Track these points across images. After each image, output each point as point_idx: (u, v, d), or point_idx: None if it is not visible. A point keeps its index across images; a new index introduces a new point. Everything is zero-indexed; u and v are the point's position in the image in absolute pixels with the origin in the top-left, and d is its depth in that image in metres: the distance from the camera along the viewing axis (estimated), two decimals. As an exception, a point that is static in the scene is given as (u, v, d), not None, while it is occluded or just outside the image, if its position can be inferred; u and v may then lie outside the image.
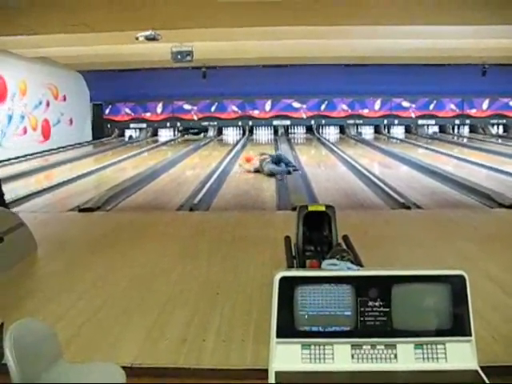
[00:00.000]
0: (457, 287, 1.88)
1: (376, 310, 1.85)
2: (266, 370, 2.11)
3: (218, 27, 10.60)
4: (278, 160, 10.95)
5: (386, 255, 4.70)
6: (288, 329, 1.84)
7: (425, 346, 1.85)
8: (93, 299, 3.86)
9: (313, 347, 1.84)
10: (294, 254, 3.97)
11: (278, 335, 1.84)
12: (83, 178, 10.85)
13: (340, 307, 1.85)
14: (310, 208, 4.29)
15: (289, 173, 10.43)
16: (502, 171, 10.40)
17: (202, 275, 4.35)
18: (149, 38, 9.77)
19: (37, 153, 15.46)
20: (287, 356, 1.82)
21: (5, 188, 9.22)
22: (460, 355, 1.84)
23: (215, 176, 10.22)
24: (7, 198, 7.87)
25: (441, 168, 10.80)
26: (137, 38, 9.71)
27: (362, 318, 1.85)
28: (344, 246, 4.03)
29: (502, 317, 3.49)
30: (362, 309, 1.85)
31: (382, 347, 1.84)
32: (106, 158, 14.56)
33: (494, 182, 9.05)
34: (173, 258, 4.86)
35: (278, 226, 5.89)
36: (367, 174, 10.23)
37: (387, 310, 1.85)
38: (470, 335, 1.86)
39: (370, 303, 1.86)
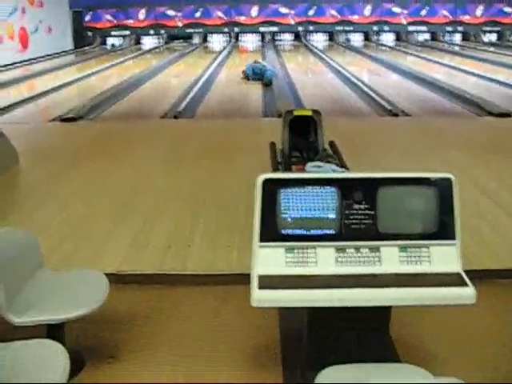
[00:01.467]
0: (444, 191, 1.82)
1: (361, 213, 1.81)
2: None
3: None
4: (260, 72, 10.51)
5: (372, 162, 4.65)
6: (271, 232, 1.79)
7: (409, 249, 1.82)
8: (77, 209, 3.82)
9: (296, 251, 1.81)
10: (279, 159, 3.92)
11: (261, 239, 1.79)
12: (65, 87, 10.55)
13: (324, 210, 1.80)
14: (296, 113, 4.20)
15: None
16: (493, 80, 10.24)
17: (186, 183, 4.30)
18: None
19: (16, 63, 14.93)
20: (270, 260, 1.79)
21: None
22: (444, 258, 1.82)
23: (200, 84, 9.97)
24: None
25: (431, 76, 10.61)
26: None
27: (346, 221, 1.81)
28: (330, 152, 3.99)
29: (488, 223, 3.50)
30: (347, 212, 1.80)
31: (367, 250, 1.81)
32: (89, 66, 14.12)
33: (484, 91, 8.92)
34: (158, 166, 4.80)
35: (264, 133, 5.79)
36: (355, 81, 10.04)
37: (372, 212, 1.81)
38: (455, 239, 1.83)
39: (355, 206, 1.80)
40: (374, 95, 8.41)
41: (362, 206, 1.81)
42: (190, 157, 5.02)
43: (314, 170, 1.84)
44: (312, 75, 12.35)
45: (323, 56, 15.07)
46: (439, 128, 6.28)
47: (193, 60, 15.60)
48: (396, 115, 6.94)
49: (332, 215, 1.81)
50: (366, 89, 9.01)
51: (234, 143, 5.47)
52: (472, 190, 4.06)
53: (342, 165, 3.38)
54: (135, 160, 5.00)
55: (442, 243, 1.83)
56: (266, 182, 1.79)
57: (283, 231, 1.81)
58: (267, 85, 9.76)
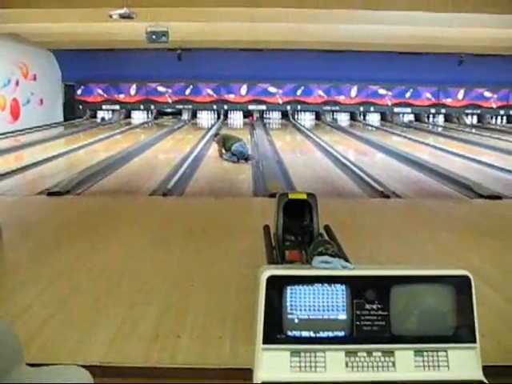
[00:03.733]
0: (461, 289, 1.71)
1: (373, 314, 1.68)
2: (245, 370, 1.93)
3: (195, 7, 10.31)
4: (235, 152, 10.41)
5: (366, 246, 4.55)
6: (276, 334, 1.65)
7: (425, 354, 1.68)
8: (59, 291, 3.61)
9: (303, 354, 1.66)
10: (273, 244, 3.79)
11: (265, 341, 1.65)
12: (53, 160, 10.50)
13: (333, 310, 1.67)
14: (291, 196, 4.10)
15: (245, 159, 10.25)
16: (478, 161, 10.38)
17: (175, 266, 4.13)
18: (123, 16, 9.41)
19: (5, 133, 14.95)
20: (275, 364, 1.64)
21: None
22: (463, 363, 1.68)
23: (189, 160, 9.96)
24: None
25: (417, 156, 10.74)
26: (110, 16, 9.34)
27: (357, 323, 1.67)
28: (326, 237, 3.87)
29: (489, 311, 3.36)
30: (358, 312, 1.67)
31: (379, 354, 1.67)
32: (78, 139, 14.16)
33: (471, 172, 9.01)
34: (145, 246, 4.62)
35: (255, 213, 5.72)
36: (344, 160, 10.09)
37: (385, 313, 1.68)
38: (475, 342, 1.70)
39: (367, 306, 1.68)
40: (363, 175, 8.41)
41: (375, 306, 1.68)
42: (179, 237, 4.87)
43: (323, 265, 1.71)
44: (300, 154, 12.45)
45: (311, 135, 15.28)
46: (430, 210, 6.25)
47: (182, 136, 15.74)
48: (387, 196, 6.91)
49: (342, 316, 1.67)
50: (355, 169, 9.03)
51: (224, 223, 5.35)
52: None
53: (341, 251, 3.26)
54: (122, 238, 4.84)
55: (461, 347, 1.70)
56: (271, 278, 1.67)
57: (289, 333, 1.66)
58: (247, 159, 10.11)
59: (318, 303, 1.67)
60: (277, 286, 1.66)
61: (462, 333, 1.69)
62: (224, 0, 9.99)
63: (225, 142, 10.50)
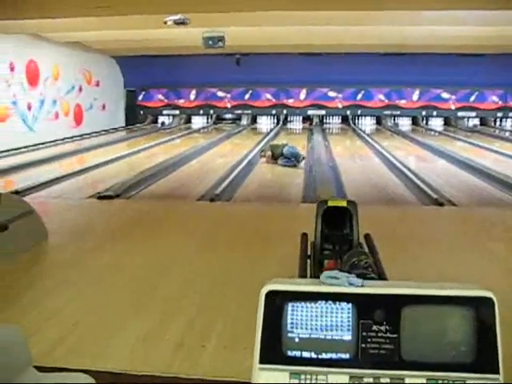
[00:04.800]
0: (483, 312, 1.53)
1: (381, 336, 1.53)
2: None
3: (251, 11, 10.26)
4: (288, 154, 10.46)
5: (412, 259, 4.34)
6: (274, 353, 1.53)
7: (440, 382, 1.52)
8: (92, 295, 3.63)
9: (303, 376, 1.53)
10: (309, 253, 3.66)
11: (262, 360, 1.53)
12: (113, 162, 10.73)
13: (338, 330, 1.54)
14: (330, 203, 3.96)
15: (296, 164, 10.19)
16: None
17: (215, 273, 4.06)
18: (178, 23, 9.50)
19: (69, 138, 15.43)
20: (272, 385, 1.52)
21: (31, 172, 9.24)
22: (483, 396, 1.50)
23: (242, 165, 9.92)
24: (33, 182, 7.85)
25: (480, 163, 10.29)
26: (165, 22, 9.45)
27: (363, 345, 1.53)
28: (365, 247, 3.71)
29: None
30: (365, 333, 1.53)
31: (388, 380, 1.52)
32: (138, 143, 14.42)
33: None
34: (185, 253, 4.59)
35: (302, 220, 5.56)
36: (401, 167, 9.80)
37: (395, 336, 1.53)
38: (498, 372, 1.51)
39: (375, 327, 1.53)
40: (419, 182, 8.13)
41: (383, 328, 1.53)
42: (221, 244, 4.81)
43: (329, 281, 1.58)
44: (358, 160, 12.20)
45: (370, 140, 14.97)
46: (486, 219, 5.92)
47: (240, 141, 15.77)
48: (441, 204, 6.62)
49: (347, 337, 1.54)
50: (411, 175, 8.74)
51: (268, 231, 5.24)
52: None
53: (377, 264, 3.10)
54: (164, 245, 4.82)
55: (481, 377, 1.52)
56: (271, 294, 1.55)
57: (289, 352, 1.54)
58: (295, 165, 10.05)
59: (321, 322, 1.54)
60: (277, 302, 1.54)
61: (483, 361, 1.52)
62: (280, 4, 9.87)
63: (274, 151, 10.48)
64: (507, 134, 18.57)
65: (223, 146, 14.51)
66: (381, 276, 3.05)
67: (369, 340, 1.53)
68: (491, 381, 1.51)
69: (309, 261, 3.49)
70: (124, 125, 20.11)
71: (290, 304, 1.55)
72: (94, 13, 8.78)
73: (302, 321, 1.55)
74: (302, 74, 19.47)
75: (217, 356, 2.80)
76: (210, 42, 11.65)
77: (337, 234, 3.86)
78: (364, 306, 1.54)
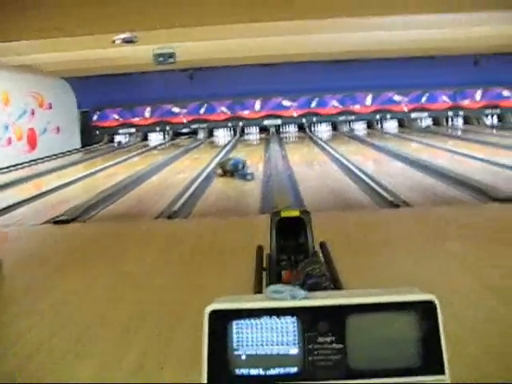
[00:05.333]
0: (425, 316, 1.54)
1: (327, 348, 1.53)
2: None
3: (199, 26, 10.29)
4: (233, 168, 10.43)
5: (368, 264, 4.39)
6: (221, 373, 1.52)
7: (389, 388, 1.52)
8: (48, 325, 3.55)
9: (252, 394, 1.52)
10: (264, 265, 3.66)
11: (210, 381, 1.51)
12: (67, 186, 10.55)
13: (284, 345, 1.53)
14: (283, 214, 3.96)
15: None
16: (497, 163, 10.08)
17: (171, 292, 4.03)
18: (126, 41, 9.48)
19: (23, 163, 15.13)
20: (222, 406, 1.50)
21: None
22: (432, 397, 1.51)
23: (200, 180, 9.89)
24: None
25: (434, 163, 10.50)
26: (113, 41, 9.40)
27: (310, 358, 1.52)
28: (320, 255, 3.73)
29: (498, 330, 3.17)
30: (310, 346, 1.53)
31: (336, 391, 1.52)
32: (95, 164, 14.24)
33: (488, 175, 8.74)
34: (144, 272, 4.55)
35: (260, 232, 5.57)
36: (357, 171, 9.92)
37: (341, 346, 1.53)
38: (444, 373, 1.53)
39: (320, 339, 1.53)
40: (375, 186, 8.23)
41: (328, 339, 1.53)
42: (179, 262, 4.79)
43: (272, 295, 1.58)
44: (315, 166, 12.30)
45: (327, 147, 15.11)
46: (440, 218, 6.04)
47: (198, 155, 15.73)
48: (397, 206, 6.72)
49: (293, 350, 1.53)
50: (367, 180, 8.85)
51: (225, 245, 5.24)
52: (481, 290, 3.75)
53: (332, 272, 3.12)
54: (123, 265, 4.76)
55: (428, 379, 1.53)
56: (214, 313, 1.54)
57: (237, 371, 1.53)
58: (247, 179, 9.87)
59: (267, 338, 1.53)
60: (221, 321, 1.53)
61: (429, 364, 1.53)
62: (226, 17, 9.92)
63: (223, 167, 10.52)
64: (459, 132, 19.02)
65: (181, 161, 14.44)
66: (336, 283, 3.08)
67: (315, 352, 1.53)
68: (438, 381, 1.53)
69: (265, 273, 3.49)
70: (80, 146, 19.84)
71: (234, 322, 1.54)
72: (44, 35, 8.66)
73: (247, 338, 1.53)
74: (255, 85, 19.58)
75: (176, 378, 2.77)
76: (161, 59, 11.65)
77: (292, 245, 3.87)
78: (308, 318, 1.54)
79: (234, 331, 1.53)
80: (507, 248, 4.67)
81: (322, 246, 3.97)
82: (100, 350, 3.10)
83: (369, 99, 20.74)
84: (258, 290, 3.19)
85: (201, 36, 11.69)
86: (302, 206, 7.07)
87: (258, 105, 20.69)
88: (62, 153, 17.81)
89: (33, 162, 15.52)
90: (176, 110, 20.69)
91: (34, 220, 7.50)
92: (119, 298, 3.95)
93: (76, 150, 19.24)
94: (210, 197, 8.54)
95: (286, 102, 20.71)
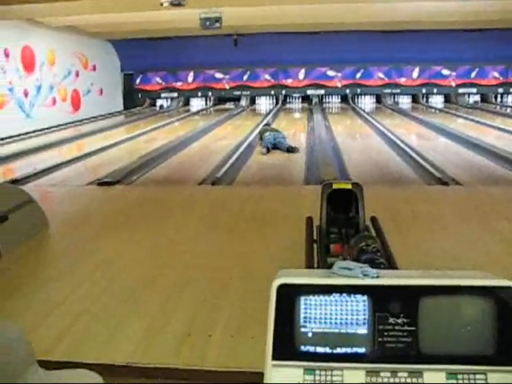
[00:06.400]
0: (503, 302, 1.46)
1: (398, 329, 1.46)
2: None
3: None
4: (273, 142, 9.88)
5: (417, 242, 4.28)
6: (287, 349, 1.47)
7: (460, 376, 1.46)
8: (96, 283, 3.57)
9: (318, 372, 1.47)
10: (315, 237, 3.59)
11: (275, 356, 1.47)
12: (111, 148, 10.62)
13: (353, 324, 1.47)
14: (335, 186, 3.88)
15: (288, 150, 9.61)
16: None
17: (215, 258, 4.01)
18: (174, 4, 9.34)
19: (66, 123, 15.30)
20: (286, 382, 1.46)
21: (30, 160, 9.15)
22: (505, 389, 1.44)
23: (243, 147, 9.82)
24: (32, 170, 7.78)
25: (482, 140, 10.18)
26: (161, 4, 9.29)
27: (380, 339, 1.46)
28: (372, 230, 3.64)
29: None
30: (381, 327, 1.46)
31: (405, 375, 1.46)
32: (137, 127, 14.30)
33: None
34: (187, 238, 4.54)
35: (305, 203, 5.52)
36: (402, 145, 9.70)
37: (412, 328, 1.46)
38: (518, 364, 1.45)
39: (391, 320, 1.46)
40: (421, 161, 8.03)
41: (400, 321, 1.47)
42: (223, 228, 4.76)
43: (341, 272, 1.51)
44: (358, 139, 12.09)
45: (370, 119, 14.85)
46: (493, 198, 5.85)
47: (240, 122, 15.65)
48: (446, 184, 6.53)
49: (362, 330, 1.47)
50: (413, 154, 8.65)
51: (271, 214, 5.18)
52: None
53: (385, 248, 3.04)
54: (166, 230, 4.76)
55: (502, 369, 1.46)
56: (283, 287, 1.48)
57: (302, 348, 1.48)
58: (290, 151, 9.51)
59: (336, 315, 1.47)
60: (289, 296, 1.48)
61: (504, 353, 1.46)
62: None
63: (262, 135, 10.27)
64: (508, 110, 18.42)
65: (223, 128, 14.39)
66: (389, 260, 3.00)
67: (385, 333, 1.47)
68: (512, 372, 1.46)
69: (315, 245, 3.44)
70: (122, 109, 19.97)
71: (302, 298, 1.48)
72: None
73: (315, 315, 1.48)
74: (300, 54, 19.26)
75: (224, 346, 2.75)
76: (208, 23, 11.49)
77: (342, 218, 3.80)
78: (380, 298, 1.48)
79: (302, 307, 1.48)
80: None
81: (374, 220, 3.89)
82: (145, 314, 3.10)
83: (415, 72, 20.22)
84: (310, 262, 3.14)
85: (248, 1, 11.51)
86: (347, 178, 6.95)
87: (301, 74, 20.39)
88: (104, 114, 17.94)
89: (76, 123, 15.67)
90: (219, 75, 20.56)
91: (76, 181, 7.59)
92: (163, 263, 3.95)
93: (118, 112, 19.37)
94: (254, 165, 8.48)
95: (330, 72, 20.35)
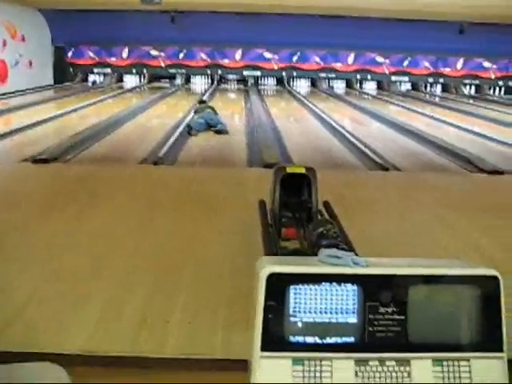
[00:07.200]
0: (487, 291, 1.49)
1: (388, 318, 1.46)
2: (240, 361, 1.74)
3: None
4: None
5: (365, 224, 4.35)
6: (276, 339, 1.44)
7: (445, 363, 1.48)
8: (40, 268, 3.39)
9: (307, 362, 1.45)
10: (270, 221, 3.57)
11: (264, 347, 1.43)
12: (42, 124, 10.17)
13: (343, 313, 1.46)
14: (288, 170, 3.86)
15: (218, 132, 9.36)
16: (479, 134, 10.12)
17: (163, 243, 3.90)
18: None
19: (-7, 96, 14.55)
20: (274, 373, 1.43)
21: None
22: (488, 375, 1.47)
23: (181, 128, 9.64)
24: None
25: (415, 127, 10.48)
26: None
27: (370, 328, 1.46)
28: (326, 215, 3.65)
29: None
30: (371, 316, 1.46)
31: (393, 363, 1.46)
32: (68, 103, 13.77)
33: (470, 145, 8.76)
34: (133, 219, 4.41)
35: (250, 185, 5.51)
36: (341, 129, 9.84)
37: (402, 317, 1.46)
38: (502, 351, 1.49)
39: (382, 309, 1.46)
40: (360, 146, 8.17)
41: (390, 310, 1.46)
42: (169, 210, 4.66)
43: (331, 261, 1.48)
44: (296, 122, 12.16)
45: (306, 102, 14.96)
46: (432, 184, 6.04)
47: (175, 101, 15.39)
48: (386, 169, 6.68)
49: (352, 319, 1.46)
50: (352, 139, 8.78)
51: (217, 196, 5.11)
52: (474, 256, 3.76)
53: (342, 232, 3.06)
54: (109, 211, 4.61)
55: (485, 356, 1.49)
56: (272, 276, 1.44)
57: (291, 338, 1.45)
58: (220, 132, 9.28)
59: (326, 305, 1.45)
60: (278, 285, 1.44)
61: (488, 340, 1.48)
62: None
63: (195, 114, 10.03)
64: (437, 99, 19.04)
65: (158, 107, 14.11)
66: (348, 245, 3.01)
67: (375, 323, 1.46)
68: (495, 359, 1.49)
69: (271, 229, 3.41)
70: (52, 83, 19.16)
71: (292, 287, 1.45)
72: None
73: (305, 304, 1.45)
74: (237, 34, 19.06)
75: (182, 332, 2.69)
76: (147, -2, 11.18)
77: (295, 202, 3.78)
78: (370, 287, 1.47)
79: (292, 297, 1.45)
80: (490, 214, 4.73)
81: (326, 205, 3.90)
82: (99, 296, 2.99)
83: (351, 58, 20.51)
84: (270, 247, 3.11)
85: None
86: (289, 161, 6.98)
87: (238, 54, 20.25)
88: (33, 88, 17.16)
89: (3, 97, 14.92)
90: (154, 52, 20.07)
91: (8, 158, 7.22)
92: (108, 248, 3.81)
93: (48, 86, 18.58)
94: (193, 146, 8.35)
95: (267, 54, 20.32)
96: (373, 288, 1.46)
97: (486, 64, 20.51)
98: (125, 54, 20.04)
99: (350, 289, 1.46)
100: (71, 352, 2.42)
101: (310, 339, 1.45)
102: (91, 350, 2.48)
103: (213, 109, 10.17)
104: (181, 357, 2.48)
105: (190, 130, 9.17)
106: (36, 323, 2.73)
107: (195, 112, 10.11)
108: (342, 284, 1.46)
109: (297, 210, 3.72)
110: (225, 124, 9.56)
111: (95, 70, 20.16)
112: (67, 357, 2.35)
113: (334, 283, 1.46)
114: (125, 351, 2.50)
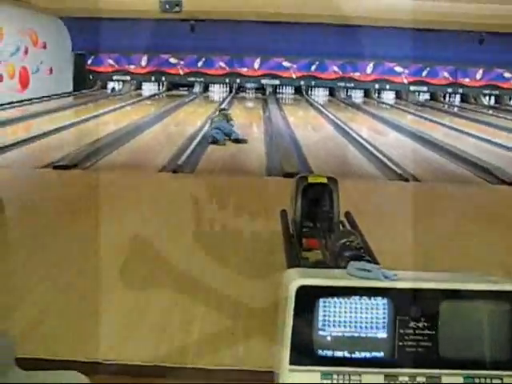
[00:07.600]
0: (521, 307, 1.45)
1: (419, 333, 1.43)
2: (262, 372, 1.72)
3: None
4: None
5: (386, 237, 4.29)
6: (305, 353, 1.41)
7: (477, 380, 1.44)
8: (60, 276, 3.40)
9: (335, 377, 1.42)
10: (291, 231, 3.55)
11: (292, 361, 1.41)
12: (61, 131, 10.26)
13: (372, 328, 1.43)
14: (310, 179, 3.84)
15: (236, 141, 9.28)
16: (499, 144, 10.01)
17: (184, 251, 3.89)
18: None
19: (14, 102, 14.70)
20: (302, 386, 1.41)
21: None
22: (521, 393, 1.44)
23: (200, 136, 9.66)
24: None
25: (435, 137, 10.40)
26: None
27: (400, 343, 1.42)
28: (348, 226, 3.63)
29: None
30: (402, 331, 1.43)
31: (424, 380, 1.43)
32: (87, 110, 13.88)
33: (490, 156, 8.66)
34: (152, 227, 4.40)
35: (269, 195, 5.49)
36: (359, 139, 9.79)
37: (433, 332, 1.43)
38: (536, 370, 1.45)
39: (412, 324, 1.43)
40: (379, 155, 8.13)
41: (421, 324, 1.43)
42: (189, 219, 4.65)
43: (361, 274, 1.46)
44: (314, 131, 12.14)
45: (324, 111, 14.93)
46: (451, 196, 5.97)
47: (193, 109, 15.45)
48: (406, 180, 6.62)
49: (382, 334, 1.43)
50: (371, 148, 8.73)
51: (238, 205, 5.11)
52: (499, 270, 3.70)
53: (365, 244, 3.02)
54: (130, 219, 4.61)
55: (520, 375, 1.45)
56: (302, 289, 1.42)
57: (320, 352, 1.42)
58: (239, 141, 9.23)
59: (355, 319, 1.43)
60: (308, 298, 1.41)
61: (521, 359, 1.45)
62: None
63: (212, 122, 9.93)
64: (455, 109, 18.91)
65: (176, 114, 14.17)
66: (371, 257, 2.98)
67: (406, 338, 1.43)
68: (529, 378, 1.45)
69: (292, 240, 3.39)
70: (72, 90, 19.35)
71: (321, 300, 1.42)
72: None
73: (334, 318, 1.43)
74: (256, 43, 19.13)
75: (203, 343, 2.67)
76: (167, 6, 11.32)
77: (317, 211, 3.76)
78: (401, 301, 1.44)
79: (321, 310, 1.42)
80: None
81: (348, 215, 3.88)
82: (118, 306, 2.99)
83: (369, 68, 20.46)
84: (293, 259, 3.09)
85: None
86: (309, 171, 6.95)
87: (257, 63, 20.30)
88: (53, 95, 17.33)
89: (25, 103, 15.08)
90: (173, 60, 20.20)
91: (28, 163, 7.28)
92: (130, 253, 3.81)
93: (67, 93, 18.76)
94: (213, 154, 8.36)
95: (285, 63, 20.34)
96: (403, 302, 1.43)
97: (507, 74, 20.34)
98: (144, 61, 20.19)
99: (380, 303, 1.43)
100: (94, 360, 2.42)
101: (338, 353, 1.42)
102: (114, 358, 2.48)
103: (226, 116, 10.11)
104: (205, 367, 2.46)
105: (216, 141, 9.06)
106: (56, 330, 2.74)
107: (211, 123, 10.05)
108: (372, 298, 1.43)
109: (318, 219, 3.69)
110: (238, 133, 9.52)
111: (114, 78, 20.32)
112: (89, 365, 2.34)
113: (365, 297, 1.43)
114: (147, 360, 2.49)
